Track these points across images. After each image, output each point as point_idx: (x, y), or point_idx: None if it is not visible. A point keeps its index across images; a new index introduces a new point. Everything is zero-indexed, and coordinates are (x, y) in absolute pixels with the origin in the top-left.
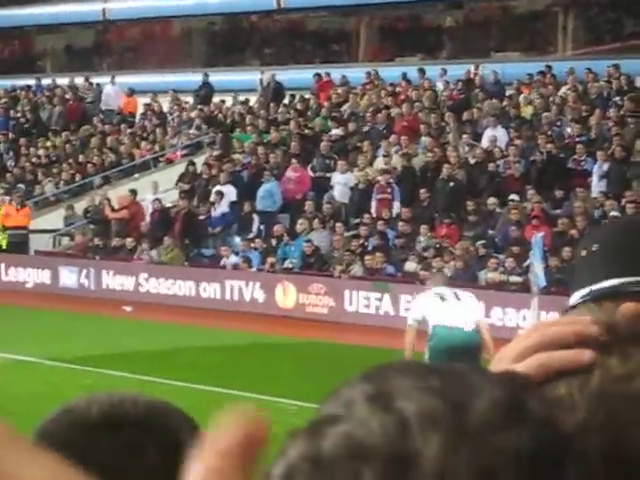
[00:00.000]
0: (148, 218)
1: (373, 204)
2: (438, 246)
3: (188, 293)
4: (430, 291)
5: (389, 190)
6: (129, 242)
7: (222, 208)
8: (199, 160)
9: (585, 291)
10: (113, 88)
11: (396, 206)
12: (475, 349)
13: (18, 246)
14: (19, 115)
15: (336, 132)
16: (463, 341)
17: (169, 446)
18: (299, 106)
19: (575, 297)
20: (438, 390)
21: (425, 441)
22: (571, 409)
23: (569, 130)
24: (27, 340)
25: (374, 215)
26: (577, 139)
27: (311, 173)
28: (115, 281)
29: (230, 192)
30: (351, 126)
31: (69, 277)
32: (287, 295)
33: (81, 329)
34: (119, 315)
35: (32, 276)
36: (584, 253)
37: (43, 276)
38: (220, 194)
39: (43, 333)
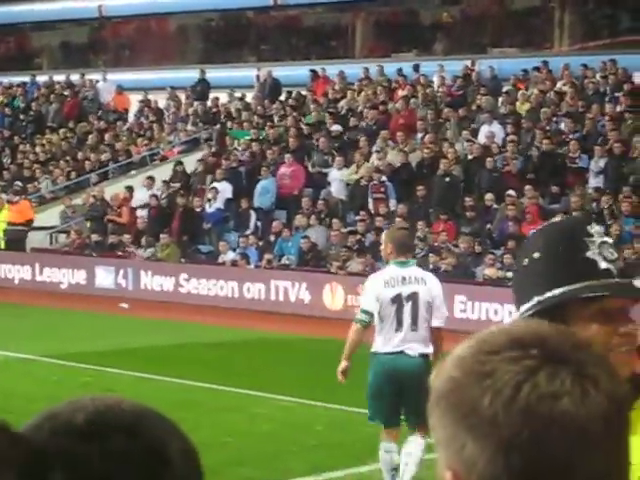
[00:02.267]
0: (145, 215)
1: (370, 202)
2: (435, 244)
3: (231, 294)
4: (384, 281)
5: (382, 189)
6: (126, 239)
7: (217, 205)
8: (195, 157)
9: (532, 302)
10: (105, 85)
11: (392, 203)
12: (424, 378)
13: (12, 243)
14: (15, 112)
15: (333, 128)
16: (409, 370)
17: (157, 454)
18: (295, 102)
19: (522, 310)
20: None
21: None
22: (496, 426)
23: (565, 126)
24: (32, 338)
25: (372, 212)
26: (573, 135)
27: (310, 168)
28: (154, 282)
29: (226, 189)
30: (348, 122)
31: (106, 277)
32: (335, 297)
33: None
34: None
35: (67, 276)
36: (526, 262)
37: (78, 276)
38: (216, 190)
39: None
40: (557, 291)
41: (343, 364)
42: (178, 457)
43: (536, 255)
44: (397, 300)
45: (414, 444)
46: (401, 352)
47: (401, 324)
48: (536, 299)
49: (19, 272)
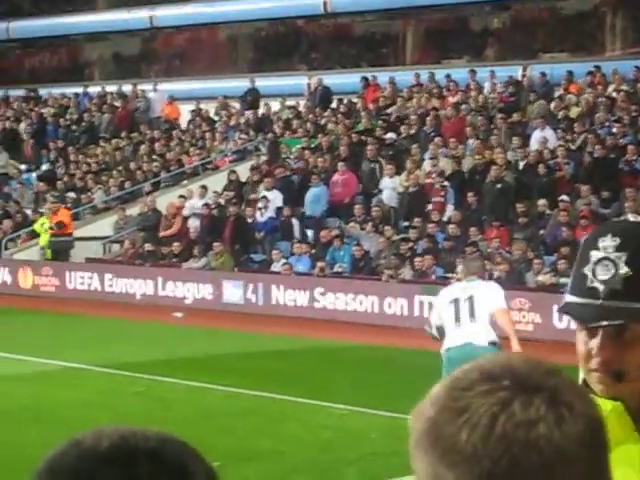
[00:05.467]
0: (197, 224)
1: (428, 207)
2: (488, 250)
3: (370, 309)
4: (448, 292)
5: (442, 193)
6: (178, 248)
7: (269, 213)
8: (247, 165)
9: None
10: (157, 95)
11: (449, 209)
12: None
13: (57, 254)
14: (68, 123)
15: (383, 135)
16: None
17: (181, 477)
18: (346, 110)
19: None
20: None
21: None
22: (476, 459)
23: (617, 131)
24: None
25: (430, 218)
26: (624, 140)
27: (362, 176)
28: (286, 296)
29: (276, 197)
30: (399, 129)
31: (233, 292)
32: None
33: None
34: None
35: (192, 291)
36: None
37: (204, 291)
38: (266, 199)
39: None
40: (564, 299)
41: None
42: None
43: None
44: (455, 302)
45: None
46: (469, 343)
47: (459, 320)
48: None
49: (140, 287)
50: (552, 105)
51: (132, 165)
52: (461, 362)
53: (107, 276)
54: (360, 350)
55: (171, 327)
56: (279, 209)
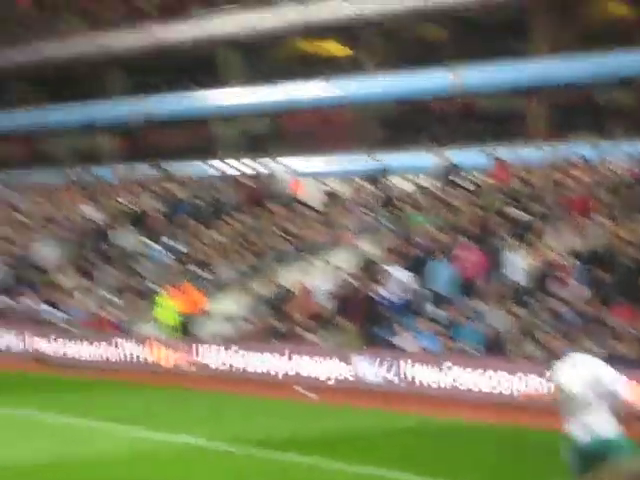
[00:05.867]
0: (325, 301)
1: (552, 284)
2: (616, 329)
3: (509, 389)
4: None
5: (570, 270)
6: (306, 324)
7: (396, 290)
8: (374, 242)
9: None
10: (285, 172)
11: (577, 286)
12: (620, 451)
13: (182, 330)
14: (196, 199)
15: (511, 212)
16: (604, 451)
17: None
18: (474, 187)
19: None
20: None
21: None
22: None
23: None
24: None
25: (552, 295)
26: None
27: (489, 253)
28: (423, 375)
29: (403, 275)
30: (526, 206)
31: (369, 371)
32: None
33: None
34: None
35: (326, 369)
36: None
37: (339, 369)
38: (394, 276)
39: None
40: None
41: None
42: None
43: None
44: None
45: None
46: (598, 436)
47: (587, 406)
48: None
49: (276, 364)
50: None
51: (258, 241)
52: (592, 456)
53: (241, 353)
54: (498, 431)
55: (306, 405)
56: (406, 286)
